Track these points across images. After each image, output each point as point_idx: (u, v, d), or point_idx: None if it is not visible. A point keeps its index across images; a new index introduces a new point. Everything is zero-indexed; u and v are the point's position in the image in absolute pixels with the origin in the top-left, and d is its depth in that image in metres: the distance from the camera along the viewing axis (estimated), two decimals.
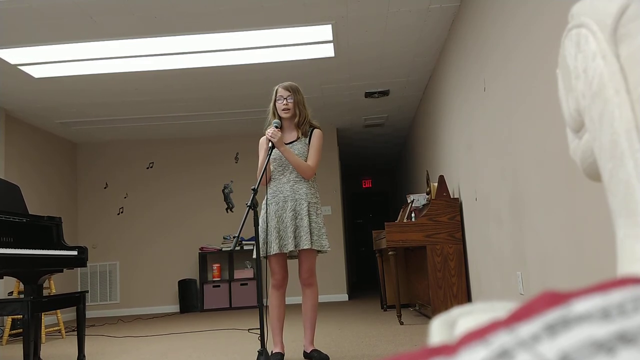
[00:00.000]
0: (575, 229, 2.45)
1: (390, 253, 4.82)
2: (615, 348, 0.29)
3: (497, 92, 3.58)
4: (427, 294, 4.84)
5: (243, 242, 7.74)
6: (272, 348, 3.31)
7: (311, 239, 3.25)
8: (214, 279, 7.88)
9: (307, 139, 3.41)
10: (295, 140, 3.38)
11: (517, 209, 3.32)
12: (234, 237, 7.85)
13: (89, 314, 7.80)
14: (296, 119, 3.39)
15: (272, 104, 3.41)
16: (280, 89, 3.38)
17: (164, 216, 8.27)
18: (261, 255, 3.16)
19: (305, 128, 3.40)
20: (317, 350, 3.34)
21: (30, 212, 3.75)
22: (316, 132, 3.43)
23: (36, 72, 5.43)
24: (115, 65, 5.35)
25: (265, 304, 3.06)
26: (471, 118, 4.35)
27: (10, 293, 5.69)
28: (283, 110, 3.35)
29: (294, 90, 3.37)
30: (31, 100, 6.30)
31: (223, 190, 8.35)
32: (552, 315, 0.33)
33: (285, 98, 3.35)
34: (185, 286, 7.84)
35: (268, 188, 3.39)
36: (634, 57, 0.55)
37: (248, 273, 7.84)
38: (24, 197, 3.74)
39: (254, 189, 3.07)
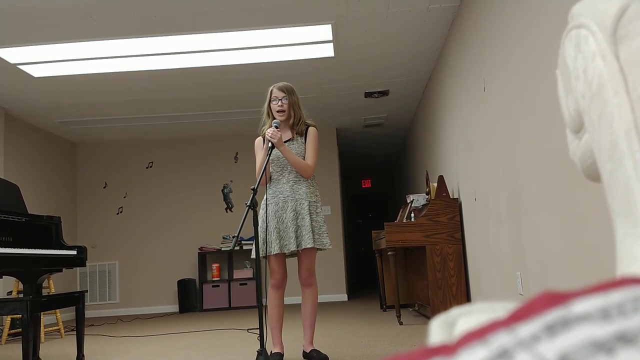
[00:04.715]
0: (575, 229, 2.45)
1: (389, 253, 4.82)
2: (614, 348, 0.29)
3: (497, 92, 3.58)
4: (427, 294, 4.84)
5: (242, 242, 7.74)
6: (271, 348, 3.31)
7: (313, 237, 3.25)
8: (214, 279, 7.87)
9: (303, 138, 3.41)
10: (290, 140, 3.38)
11: (516, 209, 3.32)
12: (233, 237, 7.84)
13: (88, 313, 7.79)
14: (291, 120, 3.38)
15: (266, 105, 3.40)
16: (275, 90, 3.37)
17: (163, 216, 8.27)
18: (260, 255, 3.16)
19: (300, 128, 3.40)
20: (316, 350, 3.34)
21: (29, 212, 3.75)
22: (311, 130, 3.43)
23: (36, 71, 5.43)
24: (115, 64, 5.35)
25: (264, 304, 3.06)
26: (471, 118, 4.35)
27: (10, 292, 5.68)
28: (278, 111, 3.34)
29: (288, 91, 3.37)
30: (30, 100, 6.30)
31: (222, 190, 8.35)
32: (552, 315, 0.33)
33: (280, 99, 3.34)
34: (184, 286, 7.84)
35: (267, 188, 3.39)
36: (633, 58, 0.55)
37: (247, 273, 7.84)
38: (23, 196, 3.74)
39: (253, 189, 3.07)
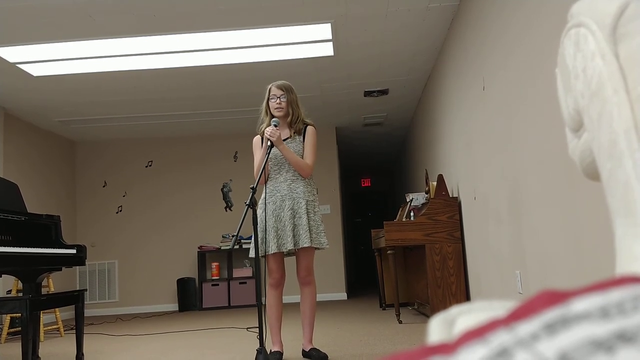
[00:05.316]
0: (575, 228, 2.45)
1: (389, 252, 4.82)
2: (614, 347, 0.29)
3: (497, 91, 3.58)
4: (426, 293, 4.84)
5: (242, 240, 7.74)
6: (270, 347, 3.31)
7: (310, 236, 3.25)
8: (213, 278, 7.87)
9: (301, 137, 3.41)
10: (288, 139, 3.38)
11: (516, 208, 3.32)
12: (232, 236, 7.84)
13: (88, 312, 7.79)
14: (289, 118, 3.39)
15: (265, 103, 3.41)
16: (273, 88, 3.38)
17: (162, 215, 8.27)
18: (259, 254, 3.16)
19: (298, 127, 3.41)
20: (315, 349, 3.34)
21: (28, 211, 3.75)
22: (310, 129, 3.43)
23: (35, 70, 5.42)
24: (114, 63, 5.35)
25: (263, 303, 3.06)
26: (470, 117, 4.35)
27: (9, 291, 5.68)
28: (276, 109, 3.35)
29: (287, 89, 3.37)
30: (30, 99, 6.29)
31: (222, 189, 8.34)
32: (551, 314, 0.33)
33: (279, 97, 3.35)
34: (184, 285, 7.84)
35: (265, 187, 3.39)
36: (633, 57, 0.55)
37: (247, 272, 7.84)
38: (23, 195, 3.73)
39: (252, 188, 3.07)
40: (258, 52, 5.26)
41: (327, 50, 5.31)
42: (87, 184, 8.36)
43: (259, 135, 3.44)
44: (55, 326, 5.68)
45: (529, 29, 2.87)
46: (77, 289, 7.95)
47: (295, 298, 7.08)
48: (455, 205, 4.81)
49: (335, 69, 5.88)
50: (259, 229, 3.24)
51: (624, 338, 0.30)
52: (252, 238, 3.12)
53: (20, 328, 4.57)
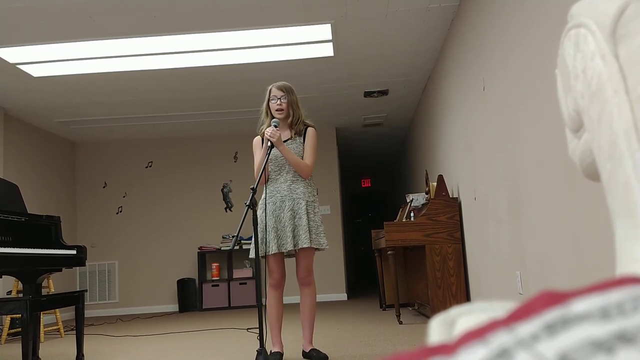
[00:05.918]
0: (575, 228, 2.45)
1: (389, 252, 4.82)
2: (614, 348, 0.29)
3: (497, 91, 3.58)
4: (426, 294, 4.84)
5: (242, 241, 7.74)
6: (270, 347, 3.31)
7: (310, 237, 3.26)
8: (213, 278, 7.87)
9: (302, 138, 3.41)
10: (289, 140, 3.38)
11: (516, 208, 3.32)
12: (233, 237, 7.84)
13: (88, 313, 7.79)
14: (289, 119, 3.39)
15: (265, 104, 3.41)
16: (274, 89, 3.38)
17: (162, 215, 8.27)
18: (260, 255, 3.16)
19: (299, 128, 3.41)
20: (315, 349, 3.34)
21: (28, 211, 3.75)
22: (310, 130, 3.44)
23: (35, 71, 5.42)
24: (114, 64, 5.35)
25: (264, 304, 3.06)
26: (470, 117, 4.35)
27: (9, 292, 5.68)
28: (277, 110, 3.35)
29: (287, 91, 3.37)
30: (30, 100, 6.29)
31: (222, 190, 8.34)
32: (551, 314, 0.33)
33: (279, 98, 3.35)
34: (184, 285, 7.84)
35: (265, 188, 3.40)
36: (633, 58, 0.55)
37: (247, 272, 7.84)
38: (23, 196, 3.73)
39: (252, 189, 3.08)
40: (258, 52, 5.26)
41: (327, 50, 5.31)
42: (87, 185, 8.36)
43: (259, 136, 3.44)
44: (55, 327, 5.68)
45: (529, 29, 2.87)
46: (77, 289, 7.96)
47: (295, 299, 7.08)
48: (455, 205, 4.81)
49: (335, 70, 5.88)
50: (259, 229, 3.24)
51: (624, 339, 0.30)
52: (252, 239, 3.12)
53: (20, 329, 4.57)
